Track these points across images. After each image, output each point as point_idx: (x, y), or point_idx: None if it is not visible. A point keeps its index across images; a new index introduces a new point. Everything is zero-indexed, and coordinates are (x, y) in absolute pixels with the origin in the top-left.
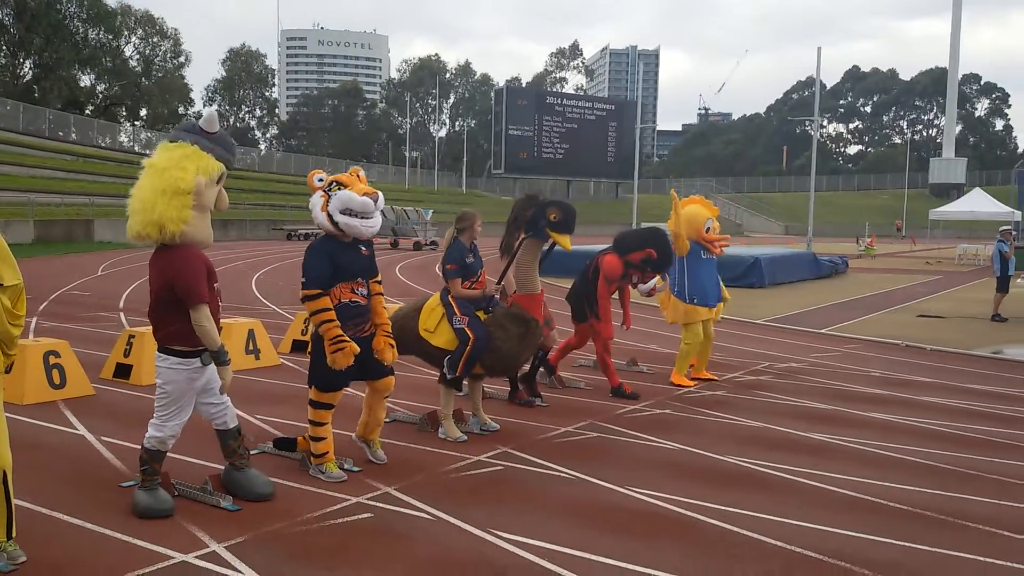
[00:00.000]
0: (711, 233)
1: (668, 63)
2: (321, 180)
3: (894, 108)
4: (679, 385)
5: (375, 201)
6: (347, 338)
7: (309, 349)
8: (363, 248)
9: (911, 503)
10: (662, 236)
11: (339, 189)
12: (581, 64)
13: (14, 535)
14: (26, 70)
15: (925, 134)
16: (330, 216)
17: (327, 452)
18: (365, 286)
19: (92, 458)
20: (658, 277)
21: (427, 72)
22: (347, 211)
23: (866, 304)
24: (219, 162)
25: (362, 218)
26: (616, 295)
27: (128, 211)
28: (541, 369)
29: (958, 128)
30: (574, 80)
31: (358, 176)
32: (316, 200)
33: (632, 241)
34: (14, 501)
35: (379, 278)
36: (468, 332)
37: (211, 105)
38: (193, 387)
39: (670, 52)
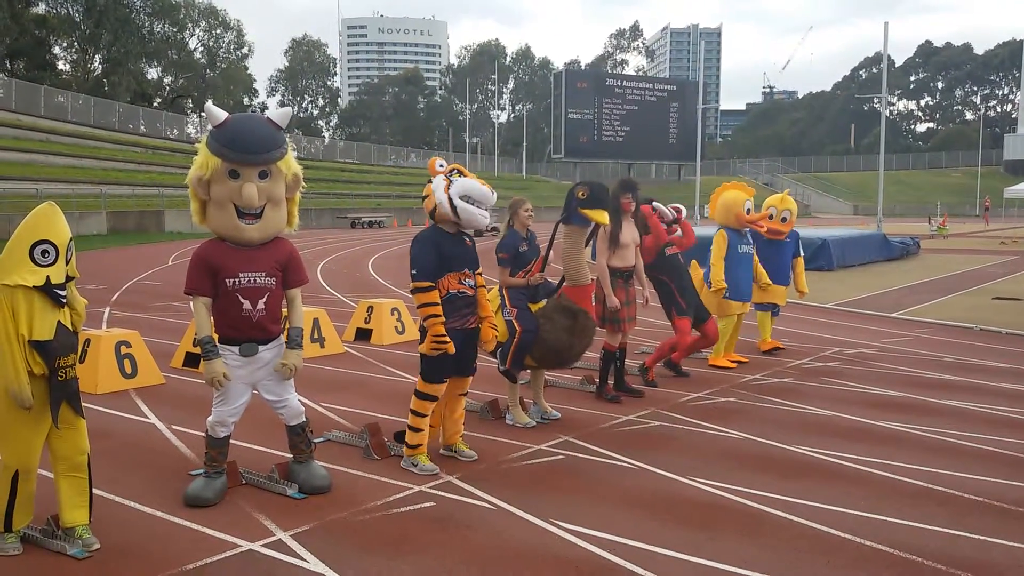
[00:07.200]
0: (751, 214)
1: (731, 41)
2: (443, 166)
3: (967, 83)
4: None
5: (493, 193)
6: (448, 339)
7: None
8: (467, 239)
9: (986, 494)
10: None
11: (459, 176)
12: (641, 45)
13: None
14: (96, 65)
15: (1000, 109)
16: (450, 199)
17: (421, 444)
18: (472, 277)
19: (162, 446)
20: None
21: (486, 57)
22: (466, 197)
23: (939, 286)
24: (215, 156)
25: (478, 206)
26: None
27: None
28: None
29: None
30: (635, 61)
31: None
32: (439, 183)
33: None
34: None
35: (481, 270)
36: (515, 324)
37: (274, 95)
38: (237, 374)
39: (733, 30)
